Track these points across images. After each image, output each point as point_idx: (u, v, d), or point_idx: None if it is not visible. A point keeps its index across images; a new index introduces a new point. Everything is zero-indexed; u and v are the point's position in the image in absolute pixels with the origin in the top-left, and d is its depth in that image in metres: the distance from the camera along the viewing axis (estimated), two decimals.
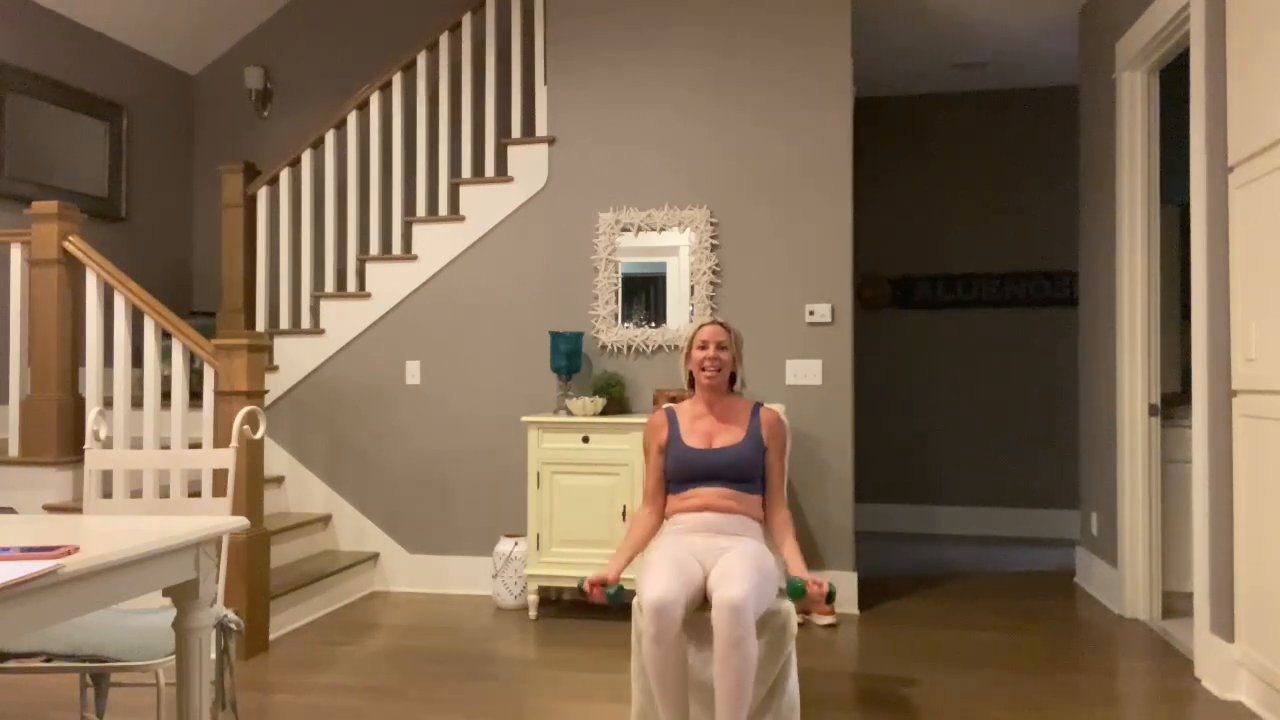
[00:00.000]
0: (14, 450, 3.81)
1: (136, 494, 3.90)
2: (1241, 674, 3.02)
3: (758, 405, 2.85)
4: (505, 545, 4.26)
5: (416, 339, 4.63)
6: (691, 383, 2.89)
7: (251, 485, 3.54)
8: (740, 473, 2.74)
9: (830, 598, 2.50)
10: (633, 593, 2.61)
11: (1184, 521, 4.14)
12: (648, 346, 4.37)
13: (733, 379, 2.88)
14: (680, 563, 2.47)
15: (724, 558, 2.53)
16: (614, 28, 4.47)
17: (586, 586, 2.55)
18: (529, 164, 4.55)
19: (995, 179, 6.16)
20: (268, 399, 4.70)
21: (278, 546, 4.15)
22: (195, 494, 3.93)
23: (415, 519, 4.60)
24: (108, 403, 4.23)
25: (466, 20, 4.67)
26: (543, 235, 4.52)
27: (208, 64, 6.03)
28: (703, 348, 2.81)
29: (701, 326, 2.85)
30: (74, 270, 3.82)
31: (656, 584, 2.35)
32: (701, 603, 2.52)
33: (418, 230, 4.65)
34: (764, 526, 2.80)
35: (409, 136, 5.38)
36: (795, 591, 2.50)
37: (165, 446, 4.17)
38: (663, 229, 4.36)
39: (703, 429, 2.80)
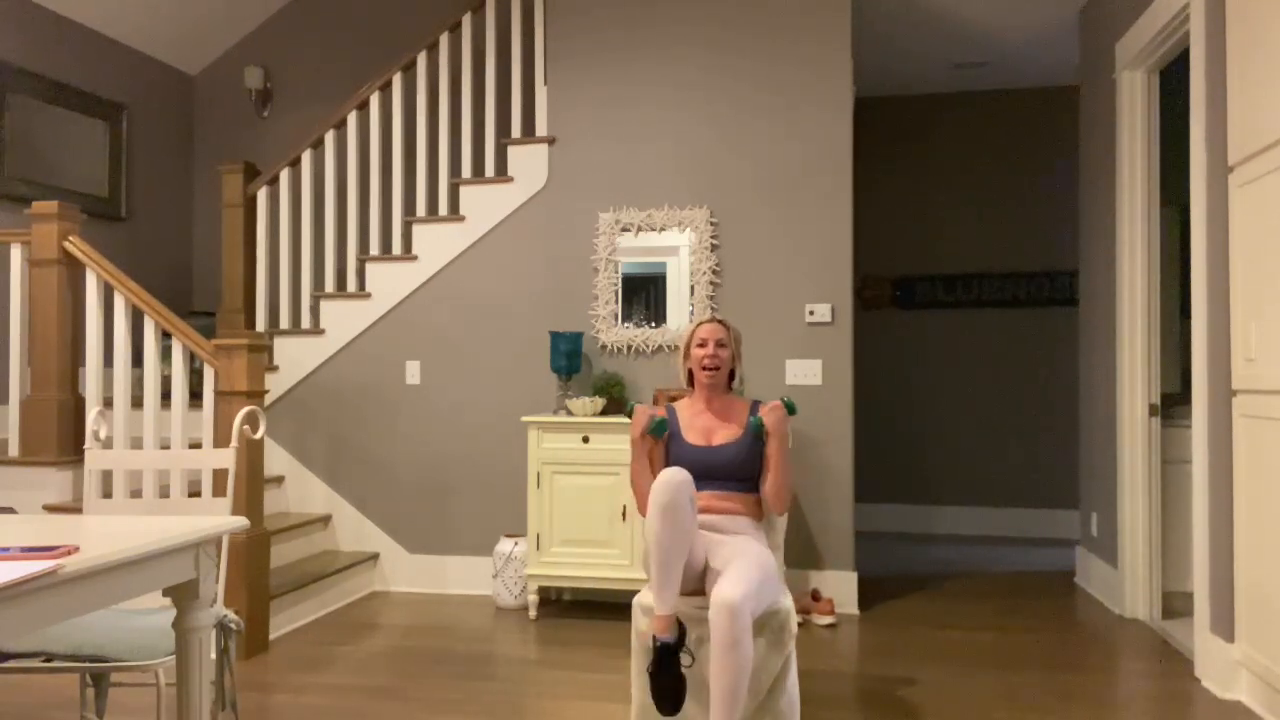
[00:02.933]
0: (14, 450, 3.81)
1: (136, 494, 3.90)
2: (1241, 674, 3.02)
3: (755, 403, 2.86)
4: (505, 545, 4.26)
5: (416, 339, 4.63)
6: (690, 380, 2.89)
7: (251, 485, 3.54)
8: (740, 471, 2.74)
9: (791, 409, 2.74)
10: (664, 424, 2.78)
11: (1184, 521, 4.14)
12: (648, 346, 4.37)
13: (731, 376, 2.89)
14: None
15: (724, 551, 2.53)
16: (614, 27, 4.47)
17: (642, 407, 2.76)
18: (529, 164, 4.55)
19: (995, 179, 6.16)
20: (268, 399, 4.70)
21: (278, 546, 4.15)
22: (195, 494, 3.93)
23: (415, 519, 4.60)
24: (108, 403, 4.23)
25: (466, 20, 4.66)
26: (543, 235, 4.52)
27: (208, 64, 6.03)
28: (702, 345, 2.82)
29: (700, 324, 2.86)
30: (74, 270, 3.82)
31: (670, 469, 2.44)
32: (697, 590, 2.53)
33: (418, 230, 4.65)
34: (763, 516, 2.81)
35: (409, 136, 5.39)
36: (757, 426, 2.74)
37: (165, 446, 4.17)
38: (663, 229, 4.36)
39: (702, 426, 2.81)
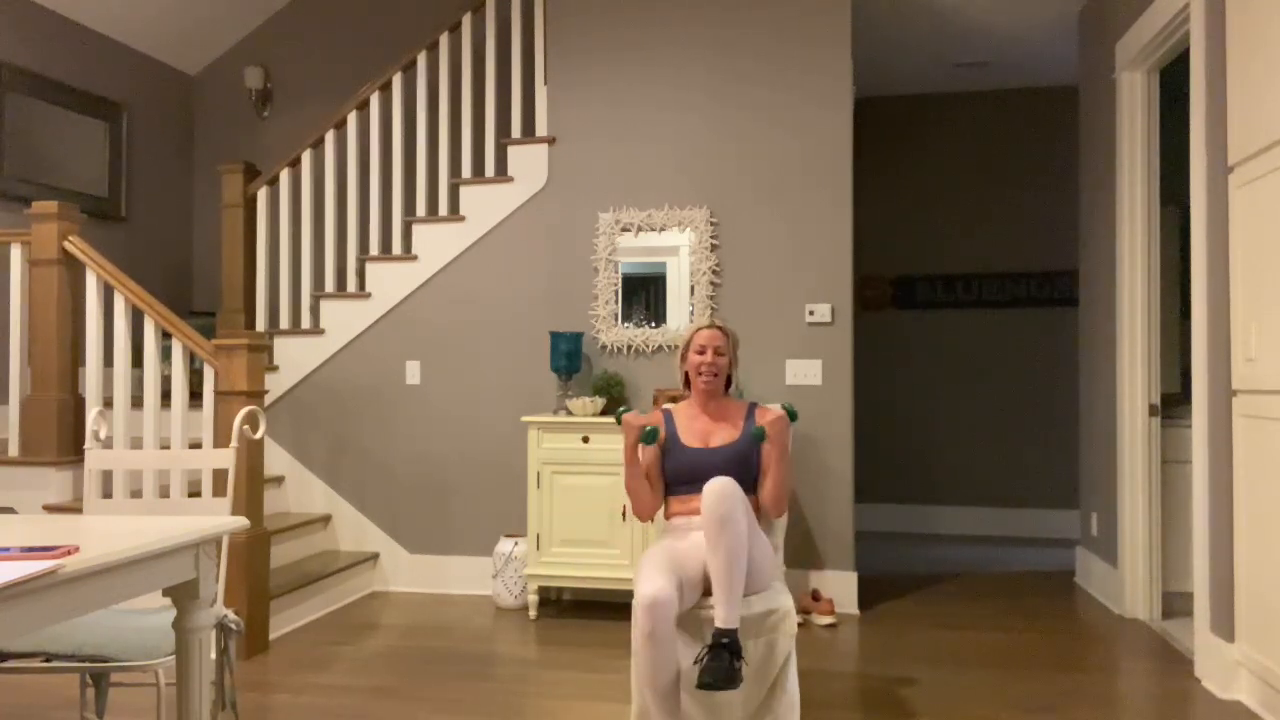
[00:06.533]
0: (14, 450, 3.81)
1: (136, 494, 3.90)
2: (1241, 674, 3.02)
3: (752, 405, 2.87)
4: (505, 545, 4.26)
5: (416, 339, 4.63)
6: (687, 383, 2.90)
7: (251, 485, 3.54)
8: (737, 473, 2.74)
9: (792, 416, 2.70)
10: (655, 432, 2.75)
11: (1184, 521, 4.14)
12: (648, 346, 4.37)
13: (728, 381, 2.90)
14: (676, 562, 2.47)
15: None
16: (614, 27, 4.47)
17: (630, 417, 2.68)
18: (529, 164, 4.55)
19: (995, 179, 6.16)
20: (268, 399, 4.70)
21: (278, 546, 4.15)
22: (195, 494, 3.93)
23: (415, 519, 4.60)
24: (108, 403, 4.23)
25: (466, 20, 4.66)
26: (543, 235, 4.52)
27: (208, 64, 6.03)
28: (700, 352, 2.83)
29: (699, 330, 2.86)
30: (74, 270, 3.82)
31: (651, 581, 2.36)
32: (708, 591, 2.53)
33: (418, 230, 4.65)
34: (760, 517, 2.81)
35: (409, 136, 5.38)
36: (758, 435, 2.72)
37: (165, 446, 4.17)
38: (663, 229, 4.36)
39: (699, 428, 2.82)
